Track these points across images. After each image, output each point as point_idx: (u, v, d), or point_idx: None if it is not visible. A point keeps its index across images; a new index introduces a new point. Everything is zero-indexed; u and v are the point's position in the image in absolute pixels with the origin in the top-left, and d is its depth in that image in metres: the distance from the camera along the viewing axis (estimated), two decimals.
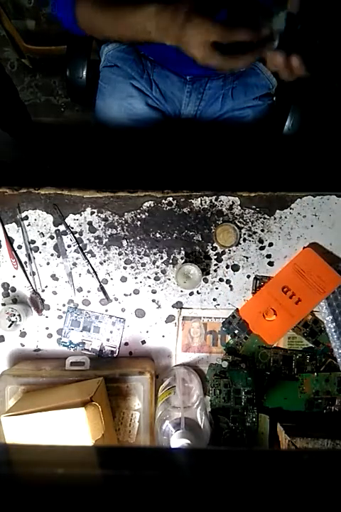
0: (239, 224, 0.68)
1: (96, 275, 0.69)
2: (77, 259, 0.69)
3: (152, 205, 0.69)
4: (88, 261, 0.69)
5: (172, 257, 0.69)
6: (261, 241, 0.69)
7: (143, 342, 0.70)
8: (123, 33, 0.58)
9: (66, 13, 0.63)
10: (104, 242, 0.69)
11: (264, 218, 0.68)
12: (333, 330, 0.64)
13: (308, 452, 0.34)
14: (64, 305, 0.69)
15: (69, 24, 0.66)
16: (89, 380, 0.61)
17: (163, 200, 0.68)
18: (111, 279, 0.69)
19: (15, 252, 0.69)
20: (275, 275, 0.67)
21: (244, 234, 0.69)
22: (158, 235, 0.69)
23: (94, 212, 0.69)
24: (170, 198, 0.68)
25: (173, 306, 0.69)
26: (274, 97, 0.89)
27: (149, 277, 0.69)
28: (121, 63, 0.84)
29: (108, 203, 0.69)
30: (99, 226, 0.69)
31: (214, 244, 0.69)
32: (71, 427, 0.53)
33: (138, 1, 0.54)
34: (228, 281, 0.69)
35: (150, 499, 0.20)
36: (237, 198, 0.68)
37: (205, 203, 0.68)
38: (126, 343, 0.70)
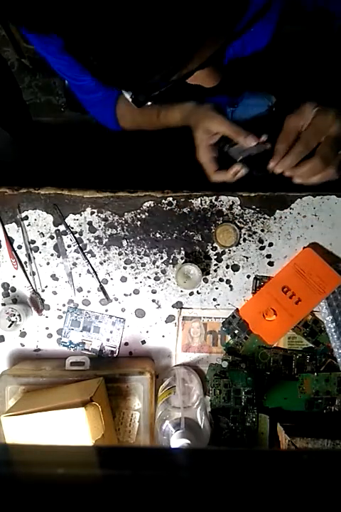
0: (239, 224, 0.68)
1: (96, 275, 0.69)
2: (77, 259, 0.69)
3: (152, 205, 0.69)
4: (88, 261, 0.69)
5: (172, 257, 0.69)
6: (261, 241, 0.69)
7: (143, 342, 0.70)
8: (158, 125, 0.69)
9: (104, 117, 0.74)
10: (104, 242, 0.69)
11: (264, 218, 0.68)
12: (333, 330, 0.64)
13: (308, 452, 0.34)
14: (64, 305, 0.69)
15: (108, 125, 0.76)
16: (89, 380, 0.61)
17: (163, 200, 0.68)
18: (111, 279, 0.69)
19: (15, 252, 0.69)
20: (275, 275, 0.67)
21: (244, 234, 0.69)
22: (158, 235, 0.69)
23: (94, 212, 0.69)
24: (170, 198, 0.68)
25: (173, 306, 0.69)
26: (274, 108, 0.90)
27: (149, 277, 0.69)
28: None
29: (108, 203, 0.69)
30: (99, 226, 0.69)
31: (214, 244, 0.69)
32: (71, 427, 0.53)
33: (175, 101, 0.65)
34: (228, 281, 0.69)
35: (150, 499, 0.20)
36: (237, 198, 0.68)
37: (205, 203, 0.68)
38: (126, 343, 0.70)
